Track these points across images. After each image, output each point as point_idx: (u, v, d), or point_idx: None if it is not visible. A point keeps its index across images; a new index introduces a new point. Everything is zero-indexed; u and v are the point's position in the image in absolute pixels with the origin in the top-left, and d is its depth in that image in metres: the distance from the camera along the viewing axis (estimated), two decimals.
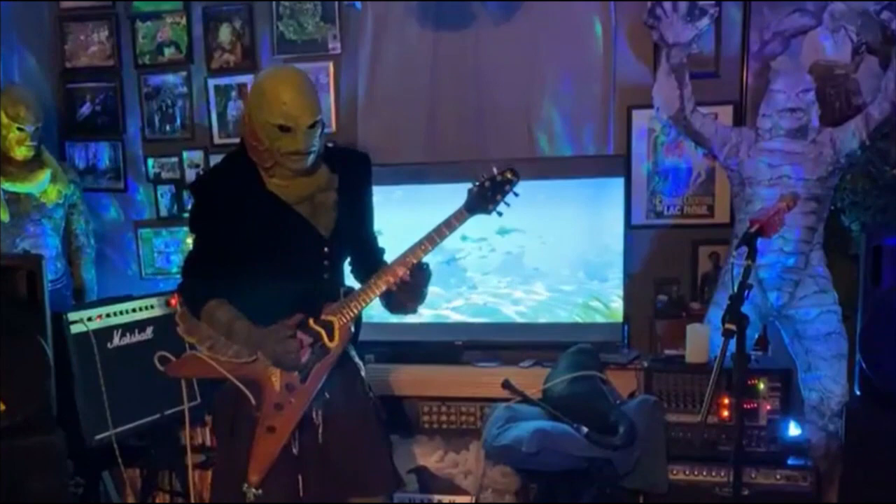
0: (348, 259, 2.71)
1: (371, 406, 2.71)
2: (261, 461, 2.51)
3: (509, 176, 2.46)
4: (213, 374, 2.58)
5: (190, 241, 4.29)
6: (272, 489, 2.51)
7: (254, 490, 2.49)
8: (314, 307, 2.53)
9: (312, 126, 2.44)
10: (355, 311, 2.54)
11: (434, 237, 2.49)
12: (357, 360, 2.71)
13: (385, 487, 2.73)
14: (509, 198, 2.48)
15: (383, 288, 2.51)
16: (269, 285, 2.48)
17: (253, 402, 2.53)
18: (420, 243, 2.49)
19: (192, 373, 2.84)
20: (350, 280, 2.71)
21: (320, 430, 2.56)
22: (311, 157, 2.48)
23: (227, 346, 2.54)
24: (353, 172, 2.61)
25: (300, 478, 2.55)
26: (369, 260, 2.66)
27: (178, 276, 3.62)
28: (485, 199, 2.46)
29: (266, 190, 2.51)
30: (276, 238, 2.50)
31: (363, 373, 2.72)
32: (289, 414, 2.53)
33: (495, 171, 2.48)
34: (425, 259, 2.51)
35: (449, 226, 2.49)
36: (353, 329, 2.58)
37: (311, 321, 2.50)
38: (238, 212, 2.48)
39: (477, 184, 2.48)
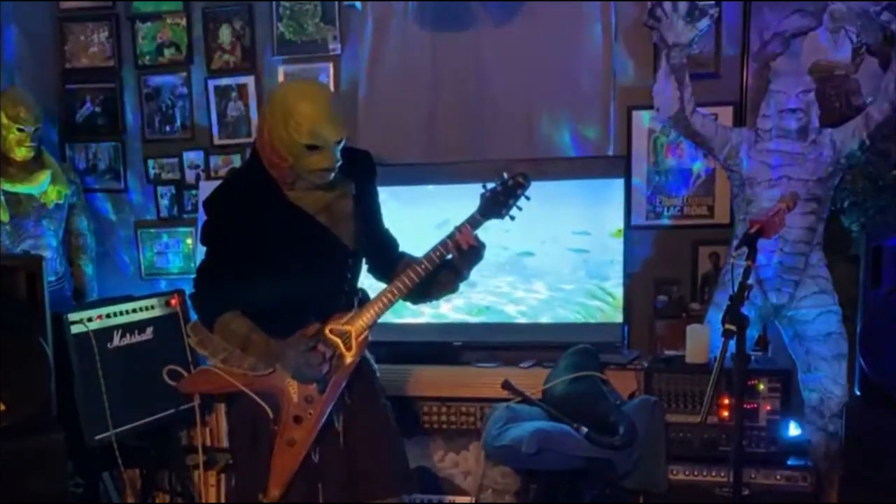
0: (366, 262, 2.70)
1: (387, 407, 2.70)
2: (281, 474, 2.48)
3: (521, 180, 2.46)
4: (229, 387, 2.55)
5: (190, 241, 4.32)
6: (291, 497, 2.50)
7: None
8: (329, 315, 2.52)
9: (339, 142, 2.40)
10: (373, 319, 2.52)
11: (449, 244, 2.48)
12: (371, 361, 2.70)
13: (400, 488, 2.68)
14: (521, 202, 2.48)
15: (394, 299, 2.50)
16: (287, 296, 2.44)
17: (270, 415, 2.50)
18: (435, 249, 2.49)
19: (207, 388, 2.77)
20: (368, 279, 2.68)
21: (342, 437, 2.55)
22: (336, 170, 2.44)
23: (242, 358, 2.51)
24: (361, 174, 2.60)
25: (320, 486, 2.54)
26: (387, 256, 2.64)
27: (179, 276, 3.61)
28: (497, 205, 2.46)
29: (287, 201, 2.45)
30: (301, 250, 2.46)
31: (377, 374, 2.71)
32: (308, 426, 2.51)
33: (506, 175, 2.47)
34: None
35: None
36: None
37: (327, 331, 2.48)
38: (259, 225, 2.42)
39: (489, 189, 2.47)
